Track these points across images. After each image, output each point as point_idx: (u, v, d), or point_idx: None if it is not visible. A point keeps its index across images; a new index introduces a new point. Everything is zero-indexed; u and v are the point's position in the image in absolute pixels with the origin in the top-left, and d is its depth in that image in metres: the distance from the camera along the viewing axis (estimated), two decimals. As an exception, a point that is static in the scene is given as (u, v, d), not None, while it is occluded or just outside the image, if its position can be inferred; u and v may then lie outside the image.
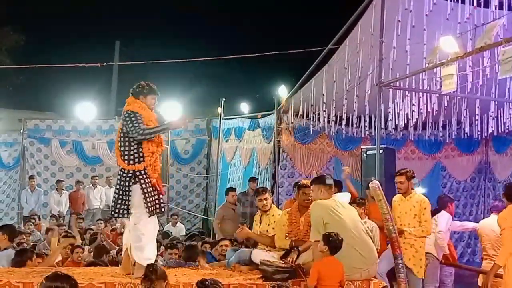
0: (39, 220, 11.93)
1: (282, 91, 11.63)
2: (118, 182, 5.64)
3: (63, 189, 13.68)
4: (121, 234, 8.22)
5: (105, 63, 10.43)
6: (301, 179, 10.93)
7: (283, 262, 5.52)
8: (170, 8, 16.94)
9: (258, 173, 12.44)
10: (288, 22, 16.47)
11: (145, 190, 5.54)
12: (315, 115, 10.73)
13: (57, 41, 19.95)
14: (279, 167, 11.65)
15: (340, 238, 5.08)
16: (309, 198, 6.12)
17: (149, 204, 5.54)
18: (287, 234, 6.20)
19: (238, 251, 6.35)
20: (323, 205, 5.54)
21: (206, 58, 10.82)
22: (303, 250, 5.82)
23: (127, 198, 5.54)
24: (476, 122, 10.65)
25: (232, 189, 10.89)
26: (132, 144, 5.58)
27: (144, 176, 5.56)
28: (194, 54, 13.90)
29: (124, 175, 5.57)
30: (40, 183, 14.69)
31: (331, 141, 11.92)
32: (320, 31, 11.75)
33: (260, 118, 12.60)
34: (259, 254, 5.90)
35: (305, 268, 5.42)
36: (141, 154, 5.58)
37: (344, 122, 10.81)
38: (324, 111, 10.35)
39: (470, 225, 8.36)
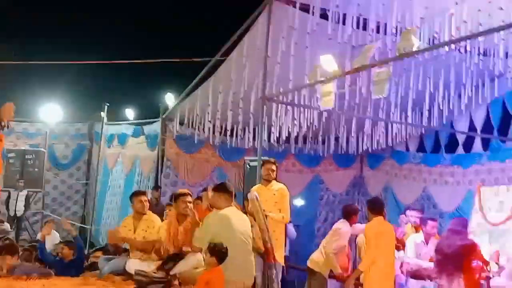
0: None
1: (168, 99, 11.54)
2: None
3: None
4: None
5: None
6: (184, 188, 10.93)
7: (158, 272, 5.43)
8: (53, 9, 16.14)
9: (140, 181, 12.21)
10: (177, 31, 16.33)
11: None
12: (201, 125, 10.76)
13: None
14: (162, 176, 11.51)
15: (224, 247, 5.09)
16: (188, 206, 6.11)
17: None
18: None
19: (111, 260, 6.18)
20: (220, 215, 5.50)
21: (86, 62, 10.39)
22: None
23: None
24: (352, 138, 11.24)
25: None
26: None
27: None
28: (78, 57, 13.37)
29: None
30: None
31: (216, 151, 11.99)
32: (209, 41, 11.80)
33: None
34: (134, 264, 5.77)
35: (181, 278, 5.38)
36: None
37: (229, 133, 10.94)
38: (210, 121, 10.41)
39: None
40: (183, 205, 6.16)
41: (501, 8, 6.22)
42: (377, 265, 6.34)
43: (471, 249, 6.63)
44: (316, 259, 7.45)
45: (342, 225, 7.50)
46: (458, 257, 6.49)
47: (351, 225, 7.49)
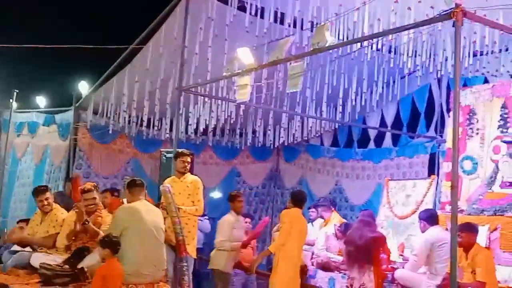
0: None
1: (82, 87, 11.12)
2: None
3: None
4: None
5: None
6: (98, 180, 10.60)
7: (64, 266, 5.24)
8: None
9: (51, 172, 11.73)
10: (92, 16, 15.79)
11: None
12: (116, 114, 10.49)
13: None
14: (74, 167, 11.11)
15: (114, 235, 5.02)
16: (92, 203, 5.97)
17: None
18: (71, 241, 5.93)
19: (16, 254, 5.90)
20: (129, 208, 5.46)
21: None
22: None
23: None
24: (269, 132, 11.36)
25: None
26: None
27: None
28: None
29: None
30: None
31: (131, 142, 11.72)
32: (126, 29, 11.45)
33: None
34: (39, 258, 5.54)
35: (89, 272, 5.21)
36: None
37: (145, 124, 10.73)
38: (125, 111, 10.17)
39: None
40: (86, 202, 6.01)
41: (409, 8, 6.47)
42: (286, 253, 6.47)
43: (380, 241, 6.89)
44: (212, 258, 7.60)
45: (223, 218, 7.69)
46: (368, 248, 6.70)
47: (237, 212, 7.66)
